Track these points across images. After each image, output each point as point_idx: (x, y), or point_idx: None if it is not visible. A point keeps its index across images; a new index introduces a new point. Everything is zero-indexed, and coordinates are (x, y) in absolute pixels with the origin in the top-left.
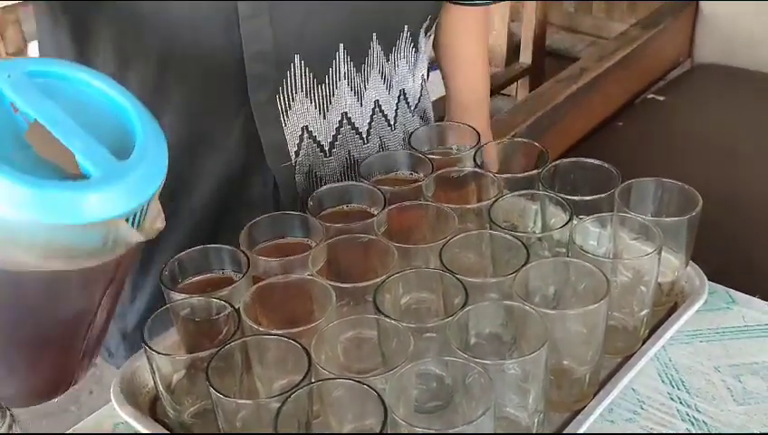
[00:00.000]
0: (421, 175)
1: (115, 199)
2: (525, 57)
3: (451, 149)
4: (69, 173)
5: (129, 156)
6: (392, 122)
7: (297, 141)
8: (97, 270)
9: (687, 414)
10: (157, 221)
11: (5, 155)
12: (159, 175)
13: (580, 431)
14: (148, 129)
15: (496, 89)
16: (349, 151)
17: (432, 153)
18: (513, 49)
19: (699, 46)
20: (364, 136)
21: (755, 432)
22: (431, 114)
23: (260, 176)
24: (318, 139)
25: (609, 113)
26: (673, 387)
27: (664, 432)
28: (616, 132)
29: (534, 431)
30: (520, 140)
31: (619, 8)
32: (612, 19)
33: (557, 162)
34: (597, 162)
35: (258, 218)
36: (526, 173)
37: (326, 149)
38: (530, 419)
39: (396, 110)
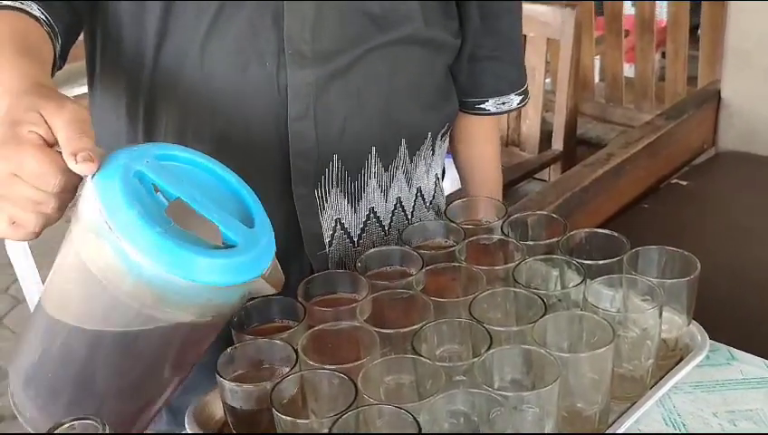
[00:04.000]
0: (455, 242)
1: (259, 260)
2: (557, 144)
3: (481, 220)
4: (207, 241)
5: (247, 221)
6: (410, 217)
7: (331, 232)
8: (219, 322)
9: None
10: (276, 273)
11: (154, 225)
12: (273, 236)
13: None
14: (254, 197)
15: (529, 173)
16: (373, 243)
17: (465, 223)
18: (546, 136)
19: (722, 134)
20: (386, 229)
21: None
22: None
23: (297, 264)
24: (348, 230)
25: (635, 196)
26: (675, 428)
27: None
28: (641, 214)
29: None
30: (544, 213)
31: (648, 100)
32: (642, 111)
33: (574, 232)
34: (608, 232)
35: (313, 276)
36: (547, 241)
37: (355, 240)
38: None
39: (413, 206)
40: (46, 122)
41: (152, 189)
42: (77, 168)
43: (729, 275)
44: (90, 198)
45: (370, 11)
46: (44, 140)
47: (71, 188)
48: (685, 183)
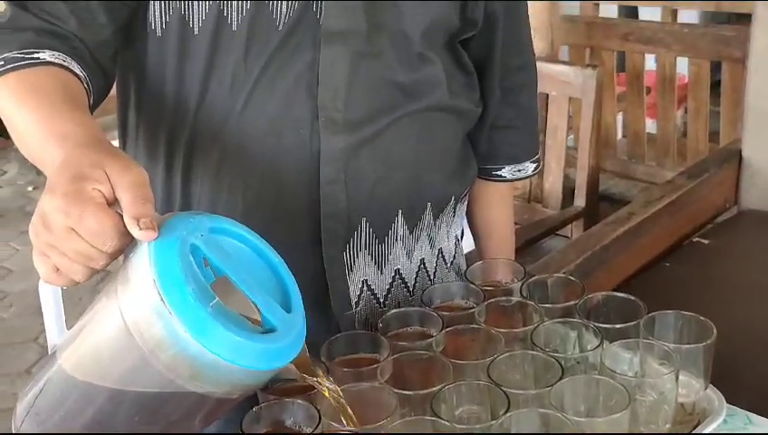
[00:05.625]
0: (474, 303)
1: (294, 346)
2: (579, 201)
3: (500, 281)
4: (247, 322)
5: (284, 302)
6: (432, 278)
7: (358, 293)
8: (242, 397)
9: None
10: (303, 353)
11: (205, 303)
12: (305, 321)
13: None
14: (293, 280)
15: (551, 229)
16: (398, 303)
17: (484, 285)
18: (569, 192)
19: (744, 193)
20: (411, 290)
21: None
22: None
23: (324, 323)
24: (375, 292)
25: (656, 254)
26: None
27: None
28: (662, 273)
29: None
30: (563, 276)
31: (670, 158)
32: (664, 167)
33: (591, 295)
34: (625, 296)
35: (336, 336)
36: (565, 304)
37: (381, 300)
38: None
39: (435, 266)
40: (109, 181)
41: (202, 263)
42: (139, 234)
43: (750, 337)
44: (144, 266)
45: (399, 81)
46: (106, 198)
47: (122, 248)
48: (706, 241)
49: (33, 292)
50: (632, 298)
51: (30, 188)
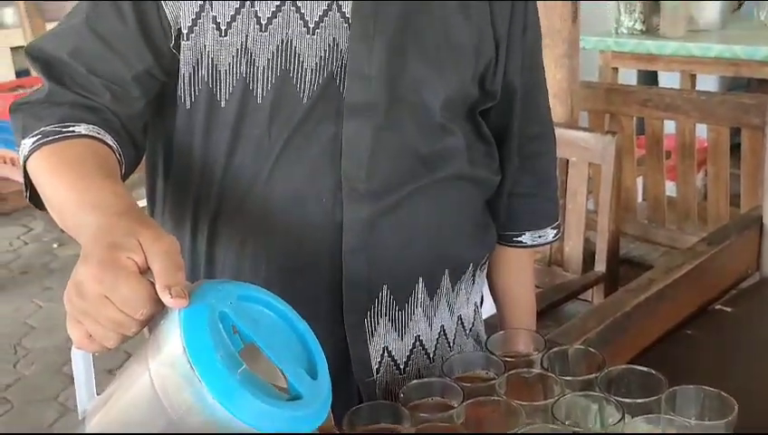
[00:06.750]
0: (495, 374)
1: (320, 413)
2: (600, 265)
3: (520, 352)
4: (273, 389)
5: (310, 368)
6: (451, 344)
7: (379, 359)
8: None
9: None
10: (327, 420)
11: (233, 371)
12: (331, 387)
13: None
14: (318, 347)
15: (572, 294)
16: (419, 370)
17: (505, 355)
18: (589, 255)
19: (766, 260)
20: (431, 356)
21: None
22: (484, 337)
23: (346, 389)
24: (395, 358)
25: (678, 321)
26: None
27: None
28: (684, 340)
29: None
30: (582, 347)
31: (691, 222)
32: (685, 232)
33: (612, 368)
34: (646, 370)
35: (358, 406)
36: (586, 377)
37: (401, 367)
38: None
39: (455, 333)
40: (142, 249)
41: (231, 330)
42: (170, 302)
43: None
44: (174, 334)
45: (420, 152)
46: (138, 267)
47: (154, 315)
48: (729, 309)
49: (55, 349)
50: (653, 372)
51: (55, 245)
